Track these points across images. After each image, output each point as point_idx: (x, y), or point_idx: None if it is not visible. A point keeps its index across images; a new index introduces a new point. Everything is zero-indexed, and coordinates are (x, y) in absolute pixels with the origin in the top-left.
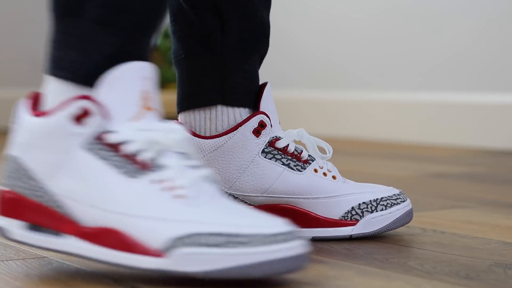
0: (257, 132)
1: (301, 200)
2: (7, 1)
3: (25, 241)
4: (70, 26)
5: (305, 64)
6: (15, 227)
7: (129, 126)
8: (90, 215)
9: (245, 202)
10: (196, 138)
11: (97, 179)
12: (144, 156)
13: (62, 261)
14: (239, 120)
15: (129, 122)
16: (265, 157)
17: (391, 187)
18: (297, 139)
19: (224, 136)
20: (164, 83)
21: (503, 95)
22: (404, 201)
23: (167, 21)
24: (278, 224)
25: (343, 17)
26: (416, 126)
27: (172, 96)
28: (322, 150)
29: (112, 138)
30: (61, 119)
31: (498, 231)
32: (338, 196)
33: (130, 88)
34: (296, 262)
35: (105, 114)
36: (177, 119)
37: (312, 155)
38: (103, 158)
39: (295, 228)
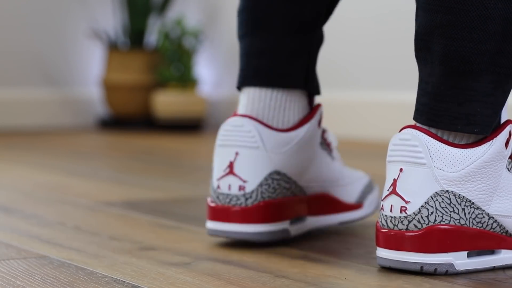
0: (507, 143)
1: (335, 188)
2: (7, 1)
3: (472, 268)
4: (477, 82)
5: None
6: (460, 259)
7: None
8: None
9: (304, 194)
10: (278, 132)
11: None
12: None
13: (63, 260)
14: (305, 110)
15: None
16: (321, 148)
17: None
18: None
19: (302, 127)
20: (164, 83)
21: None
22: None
23: (168, 22)
24: None
25: (343, 18)
26: None
27: (172, 96)
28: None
29: None
30: (500, 144)
31: None
32: (352, 182)
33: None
34: None
35: None
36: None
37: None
38: None
39: None
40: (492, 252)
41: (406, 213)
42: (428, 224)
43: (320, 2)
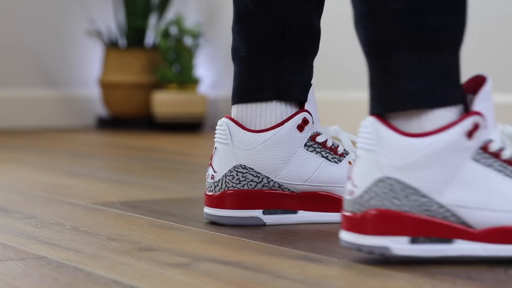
0: (300, 127)
1: (338, 188)
2: (7, 1)
3: (414, 255)
4: (395, 61)
5: None
6: (398, 243)
7: (497, 134)
8: (484, 218)
9: (288, 190)
10: (247, 131)
11: (487, 185)
12: None
13: (61, 261)
14: (286, 116)
15: (495, 130)
16: (307, 150)
17: None
18: (334, 135)
19: (272, 130)
20: (164, 83)
21: (503, 95)
22: None
23: (168, 22)
24: None
25: (343, 17)
26: None
27: (172, 96)
28: (354, 144)
29: (494, 147)
30: (456, 136)
31: None
32: None
33: (491, 98)
34: None
35: (487, 126)
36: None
37: (347, 149)
38: (489, 166)
39: None
40: (449, 241)
41: (353, 196)
42: (368, 208)
43: (275, 22)
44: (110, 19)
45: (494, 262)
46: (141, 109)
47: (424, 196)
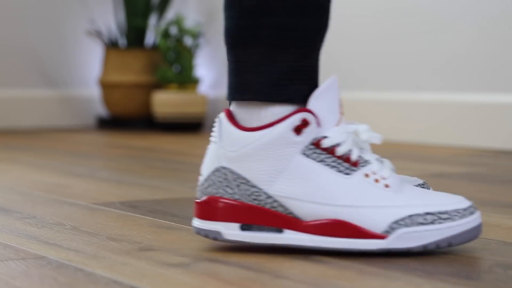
0: (298, 130)
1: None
2: (7, 1)
3: (243, 240)
4: (246, 54)
5: None
6: (230, 229)
7: (337, 131)
8: (310, 211)
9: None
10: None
11: (318, 179)
12: (353, 155)
13: (62, 261)
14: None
15: (336, 127)
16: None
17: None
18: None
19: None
20: (164, 83)
21: (503, 95)
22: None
23: (168, 22)
24: (463, 200)
25: (343, 16)
26: (417, 126)
27: (172, 96)
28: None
29: (326, 143)
30: (283, 131)
31: (498, 231)
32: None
33: (334, 98)
34: (479, 230)
35: (318, 123)
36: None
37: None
38: (321, 161)
39: (471, 202)
40: (279, 230)
41: (198, 184)
42: (207, 194)
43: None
44: (110, 19)
45: (359, 254)
46: (141, 109)
47: (253, 186)
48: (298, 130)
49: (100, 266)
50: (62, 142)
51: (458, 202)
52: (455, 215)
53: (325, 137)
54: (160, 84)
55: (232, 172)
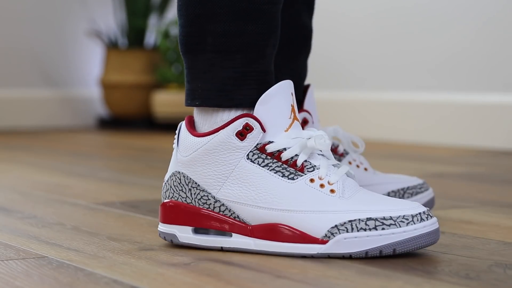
0: (241, 135)
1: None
2: (7, 1)
3: (195, 243)
4: (194, 61)
5: None
6: (183, 232)
7: (284, 136)
8: (255, 215)
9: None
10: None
11: (261, 184)
12: (299, 160)
13: (62, 261)
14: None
15: (284, 133)
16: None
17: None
18: (333, 135)
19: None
20: (164, 83)
21: (502, 95)
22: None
23: (168, 22)
24: (415, 206)
25: (342, 16)
26: (416, 126)
27: (172, 96)
28: (355, 145)
29: (271, 148)
30: (227, 136)
31: (498, 231)
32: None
33: (284, 103)
34: (433, 236)
35: (263, 128)
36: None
37: (347, 149)
38: (265, 166)
39: (428, 208)
40: (228, 234)
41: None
42: (165, 198)
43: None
44: (110, 19)
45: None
46: (141, 109)
47: (203, 190)
48: (241, 135)
49: (100, 266)
50: (63, 142)
51: (407, 208)
52: (401, 222)
53: (270, 142)
54: (160, 84)
55: (185, 176)
